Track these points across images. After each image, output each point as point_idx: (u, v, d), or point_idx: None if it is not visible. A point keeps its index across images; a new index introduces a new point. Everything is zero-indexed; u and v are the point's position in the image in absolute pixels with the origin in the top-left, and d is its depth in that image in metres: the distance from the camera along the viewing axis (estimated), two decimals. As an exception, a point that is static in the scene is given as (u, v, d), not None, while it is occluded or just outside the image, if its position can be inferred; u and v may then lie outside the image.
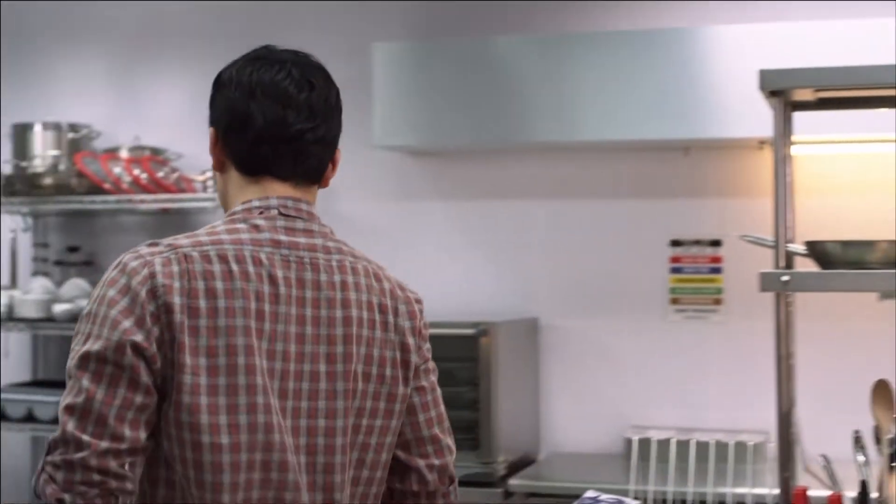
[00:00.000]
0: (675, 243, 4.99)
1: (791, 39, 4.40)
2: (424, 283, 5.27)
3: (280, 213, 2.14)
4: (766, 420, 4.63)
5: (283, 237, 2.12)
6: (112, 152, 5.34)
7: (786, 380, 2.90)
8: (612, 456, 4.92)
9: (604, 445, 5.01)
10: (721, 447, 3.30)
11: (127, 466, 1.94)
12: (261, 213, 2.13)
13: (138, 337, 1.97)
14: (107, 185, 5.11)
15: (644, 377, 5.01)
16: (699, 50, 4.60)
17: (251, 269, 2.05)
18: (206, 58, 5.59)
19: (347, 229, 5.43)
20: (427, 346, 2.34)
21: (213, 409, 1.98)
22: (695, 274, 4.97)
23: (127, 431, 1.94)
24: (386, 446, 2.22)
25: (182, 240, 2.09)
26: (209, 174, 5.08)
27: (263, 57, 2.28)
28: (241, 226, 2.11)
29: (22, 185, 5.30)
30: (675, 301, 4.99)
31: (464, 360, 4.67)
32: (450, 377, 4.76)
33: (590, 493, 3.28)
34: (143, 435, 1.97)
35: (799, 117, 3.19)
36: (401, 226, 5.32)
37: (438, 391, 2.37)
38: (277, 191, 2.16)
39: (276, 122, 2.14)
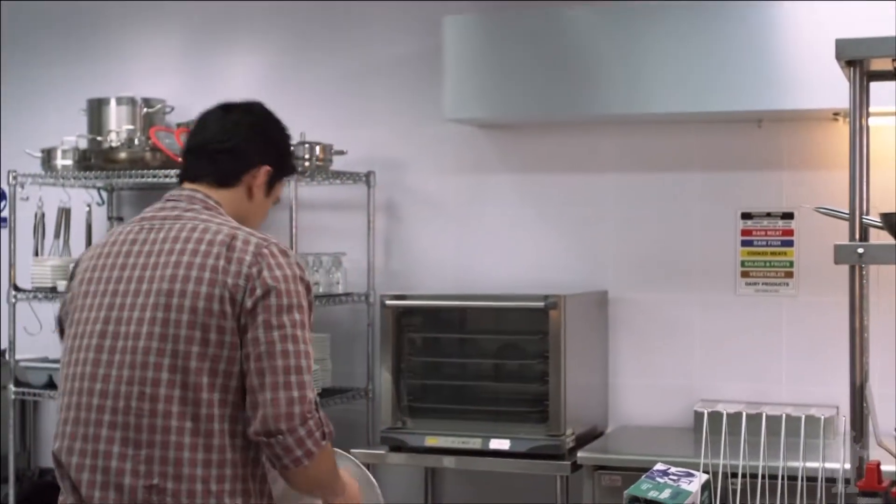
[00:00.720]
0: (746, 216, 4.95)
1: (867, 8, 4.34)
2: (493, 255, 5.33)
3: (167, 198, 2.76)
4: (836, 394, 4.64)
5: (148, 213, 2.74)
6: (185, 127, 5.39)
7: (859, 353, 2.88)
8: (681, 430, 4.92)
9: (672, 419, 5.00)
10: (792, 421, 3.28)
11: None
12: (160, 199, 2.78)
13: None
14: (180, 159, 5.15)
15: (713, 351, 4.99)
16: (772, 20, 4.55)
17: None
18: (277, 32, 5.65)
19: (417, 202, 5.50)
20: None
21: None
22: (766, 247, 4.94)
23: None
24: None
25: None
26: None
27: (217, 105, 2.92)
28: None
29: (97, 160, 5.37)
30: (745, 274, 4.97)
31: (533, 332, 4.68)
32: (519, 350, 4.81)
33: (659, 466, 3.29)
34: None
35: (876, 88, 3.15)
36: (471, 199, 5.34)
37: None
38: (183, 188, 2.80)
39: (191, 138, 2.87)
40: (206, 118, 2.86)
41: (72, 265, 2.94)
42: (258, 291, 2.54)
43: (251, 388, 2.52)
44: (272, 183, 2.86)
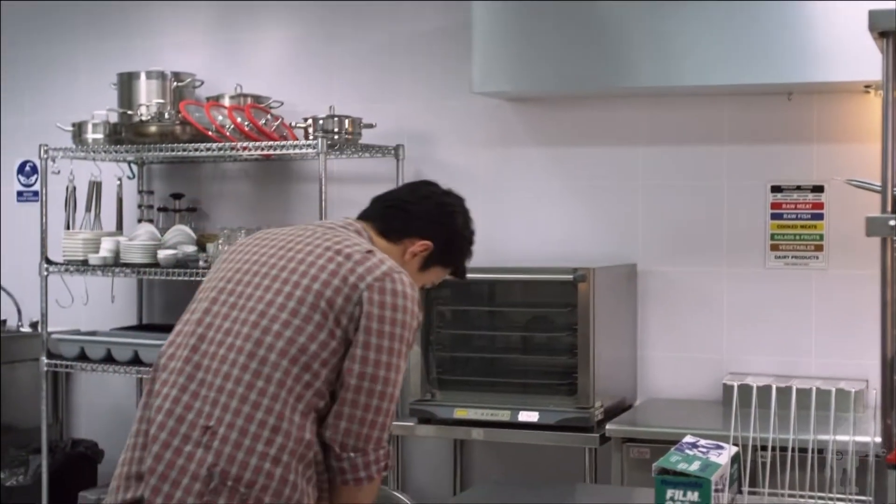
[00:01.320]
0: (776, 189, 4.94)
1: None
2: (522, 228, 5.33)
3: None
4: (866, 367, 4.64)
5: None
6: (215, 100, 5.42)
7: (890, 326, 2.87)
8: (709, 403, 4.92)
9: (701, 392, 5.00)
10: (822, 394, 3.29)
11: None
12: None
13: None
14: (210, 133, 5.19)
15: (742, 324, 4.99)
16: (802, -8, 4.52)
17: None
18: (306, 6, 5.65)
19: (445, 176, 5.47)
20: None
21: None
22: (795, 220, 4.93)
23: None
24: None
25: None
26: (310, 121, 5.13)
27: None
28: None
29: (127, 134, 5.40)
30: (775, 247, 4.95)
31: (562, 305, 4.69)
32: (548, 323, 4.82)
33: (688, 439, 3.30)
34: None
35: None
36: (499, 172, 5.34)
37: None
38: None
39: (387, 193, 3.08)
40: (408, 185, 3.14)
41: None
42: (375, 312, 2.64)
43: (343, 399, 2.63)
44: (429, 263, 2.95)
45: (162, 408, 2.62)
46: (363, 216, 2.97)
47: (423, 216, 2.94)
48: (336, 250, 2.72)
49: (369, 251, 2.74)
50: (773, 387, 3.14)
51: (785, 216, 4.94)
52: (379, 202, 3.00)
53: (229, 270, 2.81)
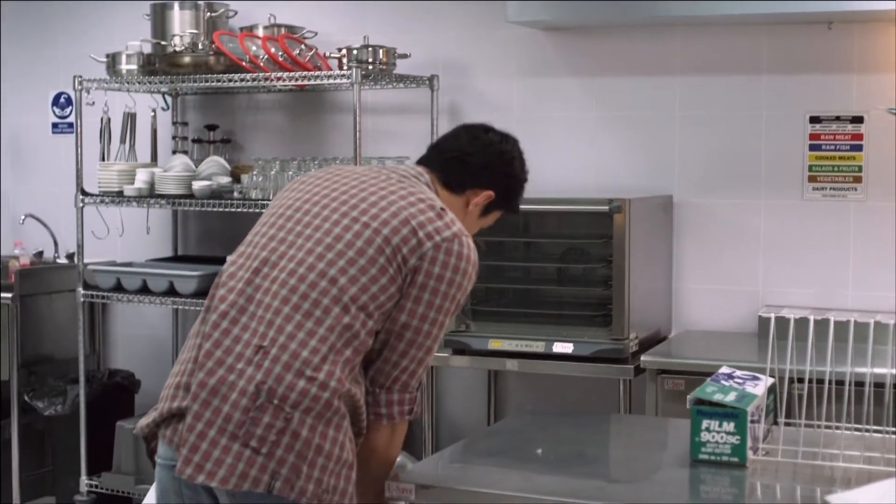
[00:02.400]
0: (815, 120, 4.89)
1: None
2: (557, 159, 5.31)
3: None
4: (905, 299, 4.60)
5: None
6: (249, 31, 5.39)
7: (929, 258, 2.85)
8: (745, 335, 4.91)
9: (736, 324, 4.99)
10: (860, 327, 3.26)
11: None
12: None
13: None
14: (244, 64, 5.17)
15: (779, 256, 4.96)
16: (844, -82, 4.44)
17: None
18: (339, -66, 5.59)
19: (481, 105, 5.48)
20: None
21: None
22: (834, 151, 4.88)
23: None
24: None
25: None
26: (344, 51, 5.10)
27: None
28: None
29: (161, 64, 5.39)
30: (812, 179, 4.91)
31: (597, 236, 4.67)
32: (583, 254, 4.81)
33: (724, 370, 3.29)
34: None
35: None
36: (534, 102, 5.30)
37: None
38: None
39: (443, 141, 3.11)
40: (465, 132, 3.07)
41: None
42: (436, 271, 2.72)
43: (384, 341, 2.73)
44: (490, 208, 3.04)
45: (219, 325, 2.68)
46: (425, 163, 3.01)
47: (484, 167, 3.00)
48: (410, 202, 2.77)
49: (442, 209, 2.80)
50: (811, 319, 3.12)
51: (823, 147, 4.89)
52: (438, 152, 3.04)
53: (299, 200, 2.84)
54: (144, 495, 3.48)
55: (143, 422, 2.75)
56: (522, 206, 4.79)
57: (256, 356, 2.60)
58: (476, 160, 2.99)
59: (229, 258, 2.85)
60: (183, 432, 2.60)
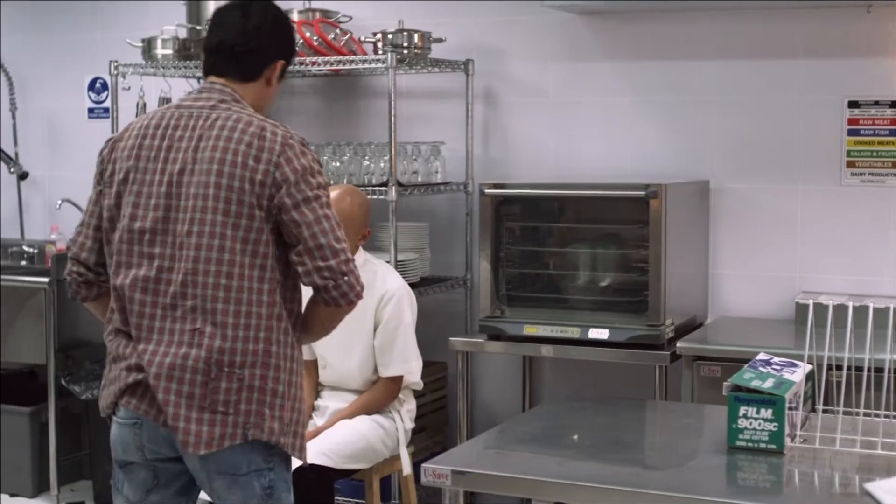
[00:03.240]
0: (853, 104, 4.84)
1: None
2: (593, 144, 5.29)
3: (199, 90, 3.13)
4: (945, 286, 4.56)
5: (185, 102, 3.12)
6: (283, 15, 5.38)
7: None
8: (781, 321, 4.88)
9: (773, 310, 4.96)
10: (898, 313, 3.24)
11: None
12: (190, 92, 3.18)
13: None
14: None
15: (816, 242, 4.92)
16: None
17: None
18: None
19: (516, 90, 5.46)
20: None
21: None
22: (873, 136, 4.83)
23: None
24: None
25: None
26: (379, 36, 5.09)
27: (230, 3, 3.25)
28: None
29: (196, 49, 5.40)
30: (851, 164, 4.87)
31: (633, 222, 4.65)
32: (619, 239, 4.79)
33: (762, 356, 3.28)
34: None
35: None
36: (570, 86, 5.28)
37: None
38: (213, 82, 3.14)
39: (212, 36, 3.19)
40: (225, 18, 3.19)
41: (110, 141, 3.21)
42: (290, 177, 2.95)
43: (306, 249, 2.95)
44: (283, 72, 3.24)
45: (144, 314, 3.00)
46: (216, 72, 3.17)
47: (268, 48, 3.16)
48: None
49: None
50: (850, 305, 3.10)
51: (862, 132, 4.84)
52: (221, 52, 3.17)
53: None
54: None
55: (104, 403, 3.13)
56: (557, 192, 4.85)
57: (195, 338, 2.94)
58: (256, 45, 3.13)
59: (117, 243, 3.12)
60: (157, 411, 2.96)
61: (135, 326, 3.00)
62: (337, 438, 4.15)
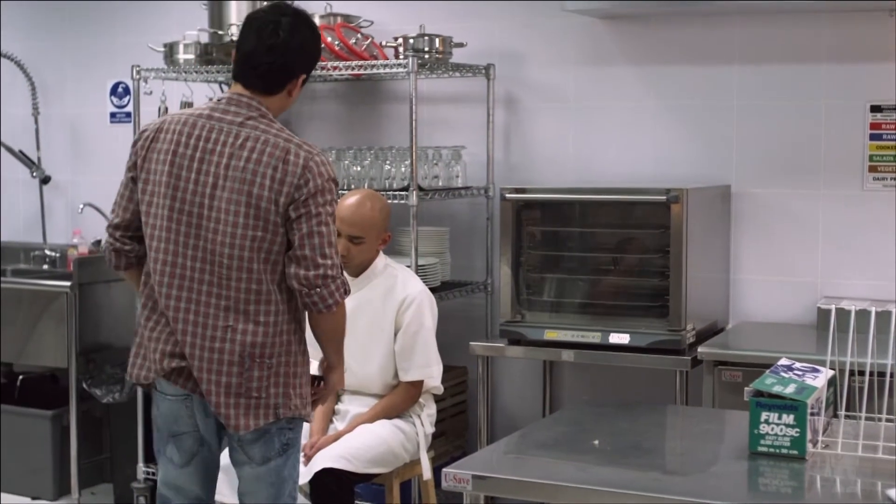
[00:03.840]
0: (876, 109, 4.82)
1: None
2: (614, 148, 5.29)
3: (228, 101, 3.39)
4: (968, 292, 4.53)
5: (216, 114, 3.38)
6: (304, 20, 5.39)
7: None
8: (803, 326, 4.87)
9: (794, 316, 4.95)
10: (921, 319, 3.23)
11: None
12: (219, 100, 3.43)
13: None
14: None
15: (838, 247, 4.90)
16: None
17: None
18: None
19: (537, 94, 5.46)
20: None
21: None
22: (895, 141, 4.81)
23: None
24: None
25: None
26: (400, 40, 5.10)
27: (265, 10, 3.49)
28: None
29: (218, 54, 5.41)
30: (873, 169, 4.85)
31: (654, 227, 4.64)
32: (640, 244, 4.78)
33: (783, 361, 3.27)
34: None
35: None
36: (591, 91, 5.27)
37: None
38: (240, 94, 3.40)
39: (243, 44, 3.43)
40: (257, 28, 3.40)
41: (144, 138, 3.45)
42: (303, 196, 3.26)
43: (293, 256, 3.29)
44: (304, 81, 3.50)
45: (179, 308, 3.36)
46: (243, 83, 3.43)
47: (293, 64, 3.41)
48: None
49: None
50: (873, 310, 3.09)
51: (884, 137, 4.82)
52: (249, 64, 3.40)
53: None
54: None
55: (140, 374, 3.45)
56: (578, 196, 4.85)
57: (227, 334, 3.32)
58: (282, 63, 3.38)
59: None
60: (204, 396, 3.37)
61: (171, 319, 3.37)
62: (357, 443, 4.15)
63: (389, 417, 4.31)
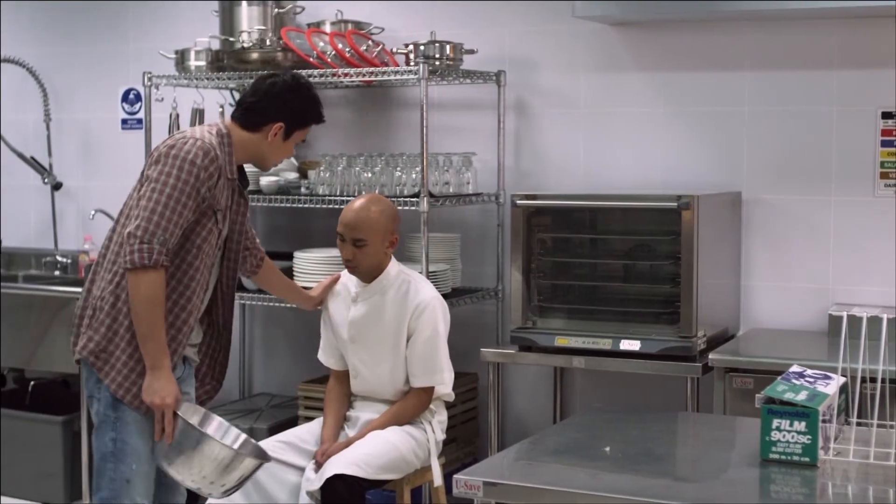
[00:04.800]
0: (887, 115, 4.82)
1: None
2: (625, 155, 5.29)
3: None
4: (980, 298, 4.52)
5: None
6: (316, 27, 5.41)
7: None
8: (814, 333, 4.86)
9: (805, 322, 4.94)
10: (933, 325, 3.22)
11: None
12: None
13: None
14: (311, 60, 5.19)
15: (849, 253, 4.89)
16: None
17: None
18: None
19: (548, 101, 5.46)
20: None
21: None
22: (906, 147, 4.82)
23: None
24: None
25: None
26: (411, 47, 5.10)
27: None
28: None
29: (229, 61, 5.42)
30: (885, 175, 4.84)
31: (665, 233, 4.64)
32: (650, 251, 4.78)
33: (795, 368, 3.26)
34: None
35: None
36: (602, 98, 5.27)
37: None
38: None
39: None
40: (253, 84, 3.89)
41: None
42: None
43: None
44: (289, 133, 3.85)
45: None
46: (232, 116, 3.90)
47: (266, 108, 3.81)
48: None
49: (183, 134, 3.74)
50: (884, 317, 3.08)
51: (896, 143, 4.83)
52: (237, 105, 3.90)
53: None
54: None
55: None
56: (589, 203, 4.85)
57: None
58: (259, 105, 3.80)
59: None
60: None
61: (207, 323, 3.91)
62: (368, 449, 4.15)
63: (401, 424, 4.31)
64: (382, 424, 4.28)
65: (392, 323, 4.30)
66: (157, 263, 3.54)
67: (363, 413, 4.38)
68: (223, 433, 3.79)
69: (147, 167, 3.69)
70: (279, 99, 3.81)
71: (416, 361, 4.29)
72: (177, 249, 3.65)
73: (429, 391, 4.34)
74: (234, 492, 3.75)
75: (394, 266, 4.35)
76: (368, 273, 4.31)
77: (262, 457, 3.80)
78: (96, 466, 3.72)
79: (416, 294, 4.31)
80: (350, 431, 4.35)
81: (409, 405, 4.33)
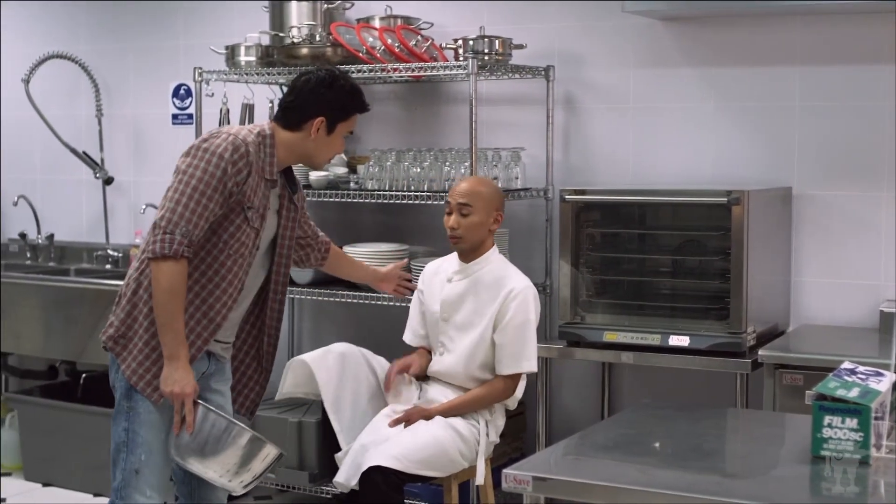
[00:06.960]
0: (941, 110, 4.78)
1: None
2: (674, 150, 5.27)
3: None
4: None
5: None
6: (365, 22, 5.43)
7: None
8: (865, 330, 4.82)
9: (856, 319, 4.90)
10: None
11: None
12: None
13: None
14: (361, 55, 5.21)
15: (901, 249, 4.86)
16: None
17: None
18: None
19: (597, 96, 5.45)
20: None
21: None
22: (960, 142, 4.77)
23: None
24: None
25: None
26: (460, 42, 5.11)
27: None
28: None
29: (279, 56, 5.45)
30: (937, 171, 4.81)
31: (715, 229, 4.62)
32: (700, 246, 4.76)
33: (847, 365, 3.24)
34: None
35: None
36: (651, 93, 5.26)
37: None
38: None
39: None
40: (292, 83, 3.89)
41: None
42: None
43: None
44: (332, 127, 3.81)
45: None
46: (273, 117, 3.89)
47: (304, 105, 3.79)
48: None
49: (216, 132, 3.77)
50: (937, 314, 3.06)
51: (950, 138, 4.78)
52: (280, 103, 3.89)
53: None
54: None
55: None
56: (638, 198, 4.84)
57: None
58: (296, 102, 3.79)
59: None
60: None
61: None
62: (410, 442, 4.13)
63: (481, 407, 4.28)
64: (463, 402, 4.27)
65: (483, 304, 4.29)
66: (177, 254, 3.54)
67: (435, 396, 4.37)
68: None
69: (179, 159, 3.72)
70: (315, 94, 3.79)
71: (506, 347, 4.26)
72: (203, 243, 3.65)
73: (515, 378, 4.31)
74: (252, 486, 3.74)
75: (495, 251, 4.36)
76: (471, 247, 4.31)
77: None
78: (112, 456, 3.77)
79: (512, 280, 4.30)
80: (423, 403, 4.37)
81: (495, 389, 4.29)
